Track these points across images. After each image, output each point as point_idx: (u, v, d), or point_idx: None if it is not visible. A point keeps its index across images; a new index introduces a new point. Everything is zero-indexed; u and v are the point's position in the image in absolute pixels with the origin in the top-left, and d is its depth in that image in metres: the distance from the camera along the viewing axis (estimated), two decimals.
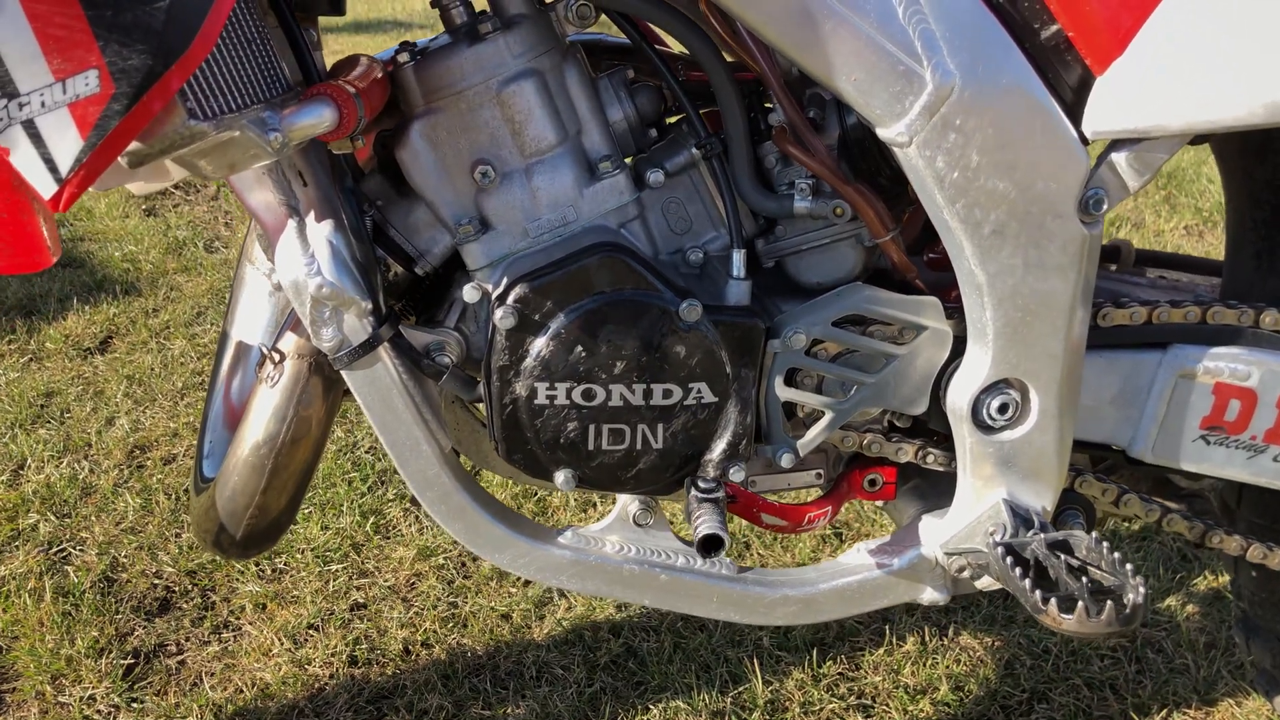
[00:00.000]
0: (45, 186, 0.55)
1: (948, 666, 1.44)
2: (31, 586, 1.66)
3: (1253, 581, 1.03)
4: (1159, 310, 0.83)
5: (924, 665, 1.45)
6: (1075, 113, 0.73)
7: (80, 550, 1.78)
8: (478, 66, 0.76)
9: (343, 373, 0.78)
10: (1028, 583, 0.71)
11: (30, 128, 0.54)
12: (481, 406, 0.85)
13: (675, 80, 0.80)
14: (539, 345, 0.75)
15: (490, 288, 0.79)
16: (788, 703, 1.40)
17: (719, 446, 0.78)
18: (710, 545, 0.74)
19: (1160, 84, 0.71)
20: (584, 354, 0.75)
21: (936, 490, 0.88)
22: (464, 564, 1.68)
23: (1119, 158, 0.74)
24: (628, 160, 0.83)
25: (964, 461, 0.81)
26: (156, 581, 1.70)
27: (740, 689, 1.42)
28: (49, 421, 2.14)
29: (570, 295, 0.74)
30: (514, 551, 0.84)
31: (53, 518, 1.86)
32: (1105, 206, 0.75)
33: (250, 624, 1.60)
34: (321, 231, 0.76)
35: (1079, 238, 0.75)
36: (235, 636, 1.58)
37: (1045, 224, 0.74)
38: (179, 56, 0.55)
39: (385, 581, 1.66)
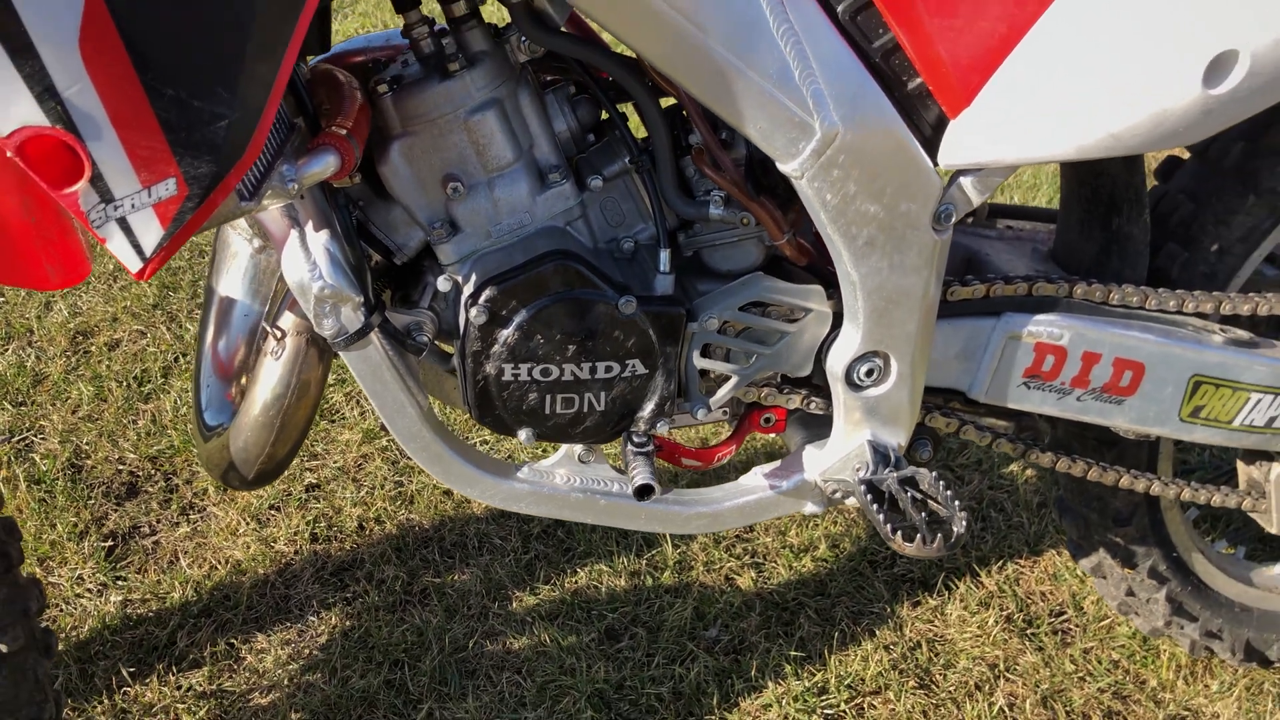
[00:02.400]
0: (133, 264, 0.71)
1: (826, 529, 1.71)
2: (4, 476, 1.80)
3: (1065, 477, 1.30)
4: (995, 287, 1.04)
5: (806, 528, 1.72)
6: (932, 145, 0.92)
7: (42, 439, 1.92)
8: (448, 99, 0.91)
9: (340, 353, 0.95)
10: (882, 515, 0.95)
11: (123, 223, 0.69)
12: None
13: (613, 107, 0.96)
14: (505, 335, 0.93)
15: (460, 280, 0.96)
16: (693, 562, 1.66)
17: (649, 407, 0.99)
18: (644, 492, 0.95)
19: (1000, 129, 0.90)
20: (542, 341, 0.94)
21: (816, 425, 1.10)
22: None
23: (965, 181, 0.94)
24: (570, 160, 0.99)
25: (838, 410, 1.03)
26: (121, 467, 1.86)
27: (653, 552, 1.67)
28: None
29: (530, 295, 0.92)
30: (482, 486, 1.04)
31: (9, 406, 1.98)
32: (954, 218, 0.95)
33: (214, 506, 1.78)
34: (320, 240, 0.91)
35: (932, 244, 0.95)
36: (202, 518, 1.76)
37: (906, 235, 0.93)
38: (236, 162, 0.69)
39: (335, 463, 1.85)
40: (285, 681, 1.50)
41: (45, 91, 0.63)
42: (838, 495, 1.07)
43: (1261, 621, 1.44)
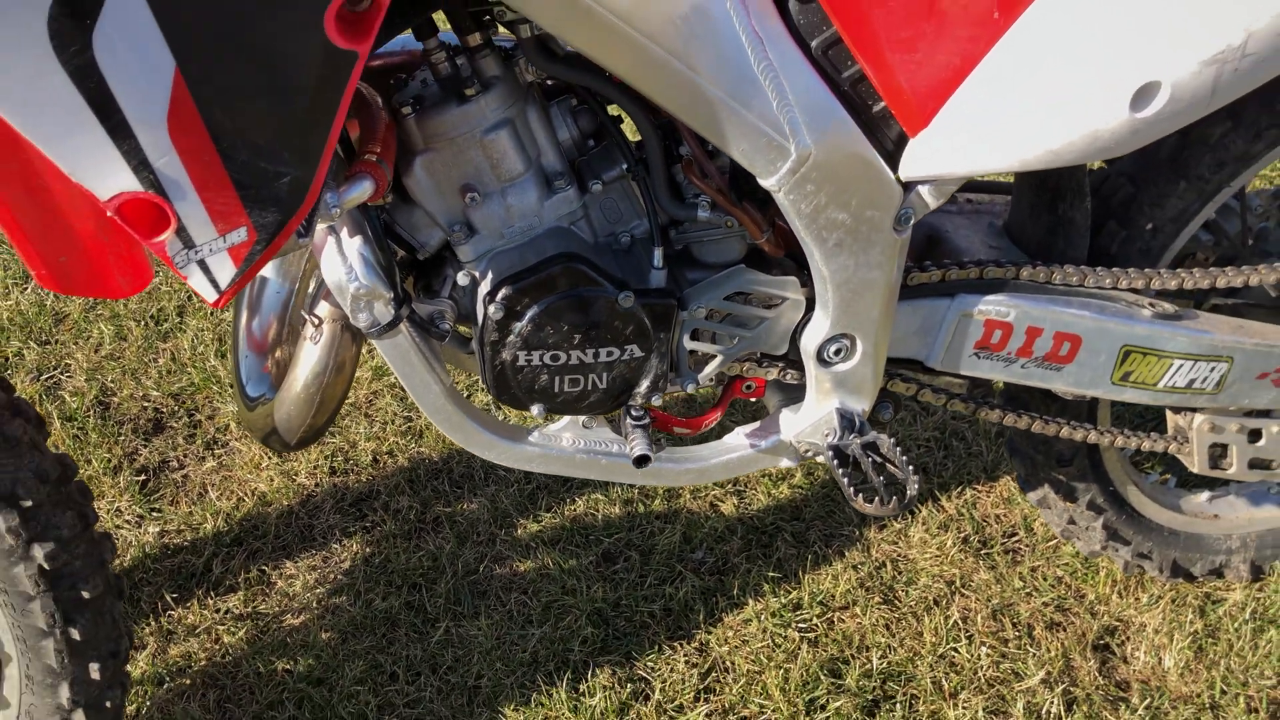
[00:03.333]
0: (210, 295, 0.83)
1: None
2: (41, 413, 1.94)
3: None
4: (950, 272, 1.18)
5: None
6: (893, 160, 1.05)
7: (68, 377, 2.06)
8: (465, 120, 1.03)
9: (374, 341, 1.09)
10: (846, 478, 1.10)
11: (202, 264, 0.81)
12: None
13: (612, 122, 1.07)
14: (519, 327, 1.07)
15: (477, 275, 1.09)
16: (680, 490, 1.83)
17: (645, 384, 1.13)
18: (642, 461, 1.11)
19: (953, 146, 1.02)
20: (551, 332, 1.07)
21: (791, 391, 1.25)
22: None
23: (923, 189, 1.07)
24: (572, 163, 1.11)
25: (810, 382, 1.18)
26: (145, 404, 2.00)
27: None
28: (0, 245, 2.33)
29: (541, 293, 1.05)
30: (499, 450, 1.19)
31: (34, 345, 2.11)
32: (913, 220, 1.08)
33: (237, 441, 1.93)
34: (354, 245, 1.04)
35: (894, 243, 1.08)
36: (226, 453, 1.91)
37: (870, 237, 1.07)
38: (297, 210, 0.82)
39: (348, 400, 1.99)
40: (314, 604, 1.67)
41: (140, 163, 0.76)
42: (809, 453, 1.22)
43: (1187, 543, 1.62)
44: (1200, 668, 1.57)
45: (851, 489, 1.09)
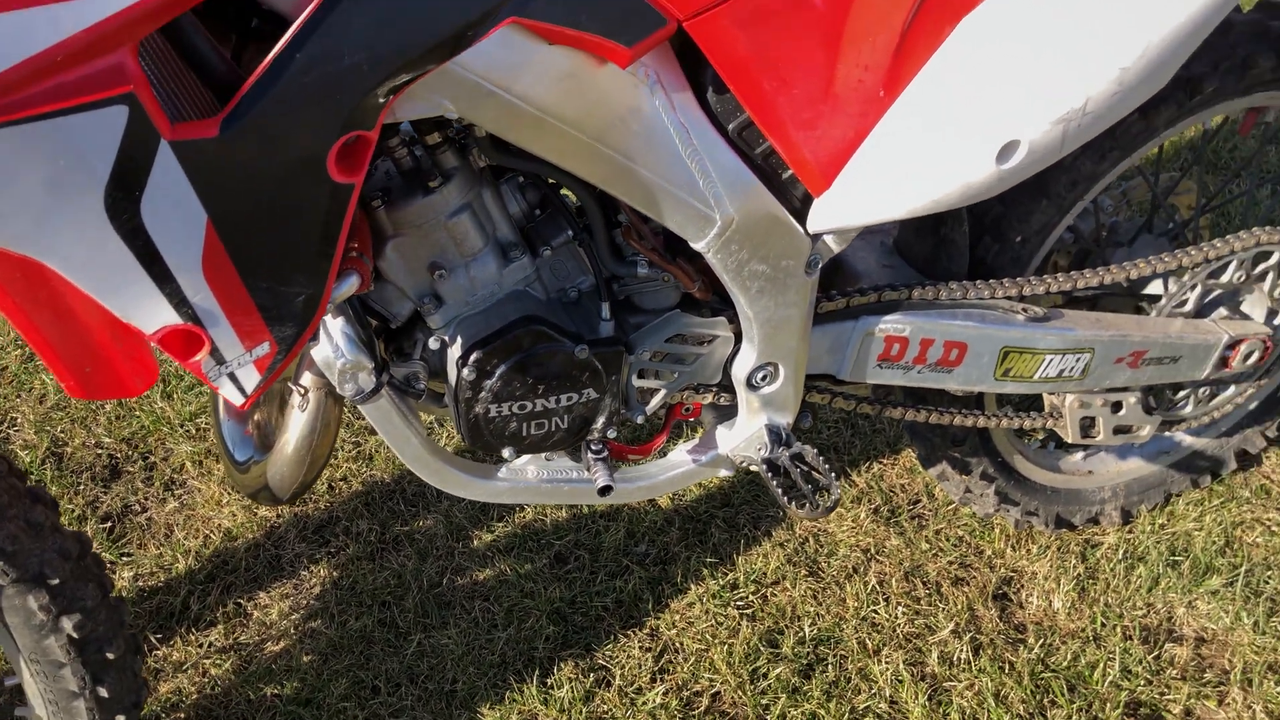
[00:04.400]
0: (237, 400, 0.96)
1: None
2: None
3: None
4: (853, 299, 1.36)
5: None
6: (801, 216, 1.22)
7: (16, 430, 2.12)
8: (431, 209, 1.16)
9: (358, 405, 1.22)
10: (780, 488, 1.29)
11: (231, 376, 0.94)
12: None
13: (558, 197, 1.22)
14: (490, 384, 1.21)
15: (447, 339, 1.23)
16: None
17: (601, 420, 1.29)
18: (605, 491, 1.27)
19: (852, 201, 1.20)
20: (519, 386, 1.22)
21: (724, 411, 1.42)
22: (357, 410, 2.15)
23: (828, 238, 1.25)
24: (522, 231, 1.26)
25: (741, 404, 1.36)
26: (99, 452, 2.08)
27: None
28: None
29: (509, 354, 1.20)
30: (473, 488, 1.34)
31: None
32: (820, 264, 1.26)
33: (195, 480, 2.03)
34: (338, 325, 1.17)
35: (806, 284, 1.26)
36: (186, 492, 2.01)
37: (787, 282, 1.24)
38: (311, 322, 0.95)
39: None
40: (291, 630, 1.80)
41: (180, 302, 0.88)
42: (744, 464, 1.40)
43: (1067, 498, 1.86)
44: (1083, 605, 1.82)
45: (785, 497, 1.28)
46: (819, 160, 1.18)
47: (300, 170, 0.89)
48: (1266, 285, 1.63)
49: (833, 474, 1.30)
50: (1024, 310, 1.45)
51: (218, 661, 1.75)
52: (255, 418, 1.35)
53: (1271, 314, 1.67)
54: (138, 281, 0.86)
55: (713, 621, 1.79)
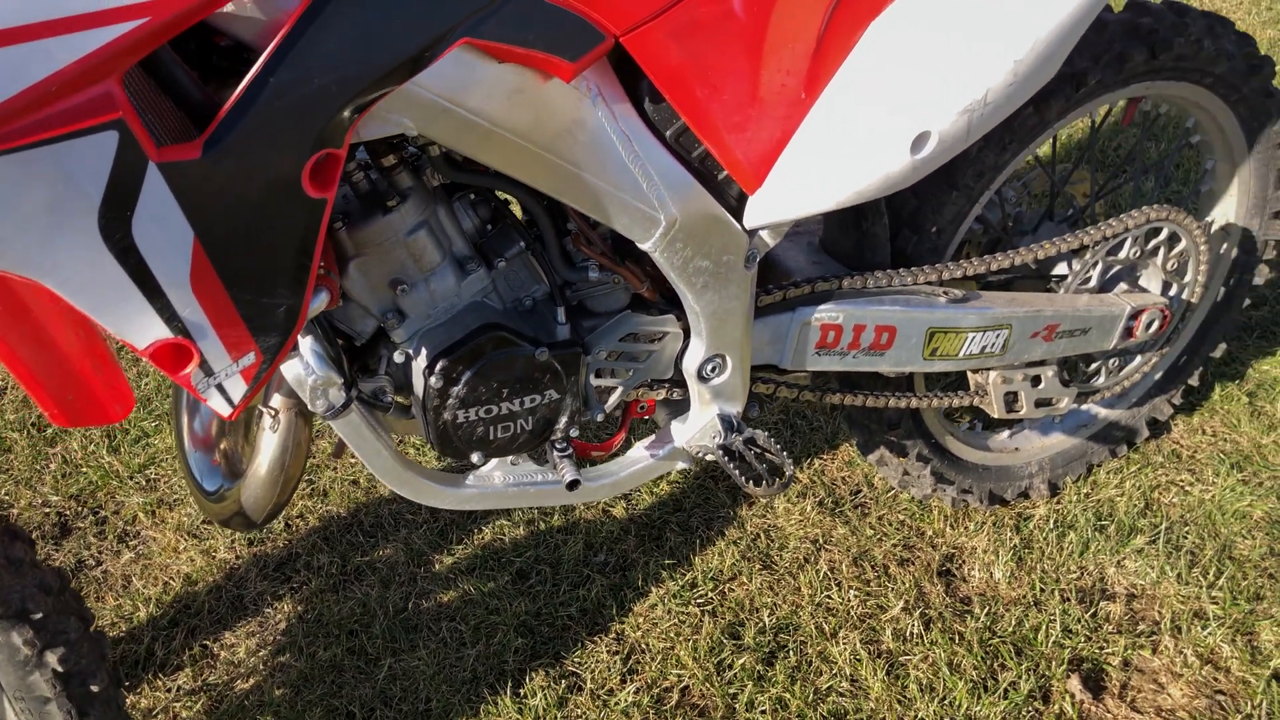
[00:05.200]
0: (225, 411, 1.01)
1: None
2: None
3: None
4: (789, 291, 1.46)
5: None
6: (738, 213, 1.31)
7: None
8: (390, 228, 1.22)
9: (329, 421, 1.27)
10: (737, 470, 1.36)
11: (219, 387, 0.99)
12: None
13: (509, 212, 1.29)
14: (456, 391, 1.27)
15: (411, 352, 1.29)
16: (576, 505, 2.05)
17: (563, 420, 1.36)
18: (574, 485, 1.33)
19: (783, 197, 1.29)
20: (484, 391, 1.28)
21: (678, 407, 1.50)
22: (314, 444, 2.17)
23: (763, 233, 1.34)
24: (476, 246, 1.32)
25: (694, 397, 1.43)
26: (47, 510, 2.07)
27: None
28: None
29: (473, 360, 1.26)
30: (443, 496, 1.39)
31: None
32: (758, 258, 1.34)
33: (148, 530, 2.03)
34: (308, 344, 1.22)
35: (746, 277, 1.35)
36: (141, 543, 2.01)
37: (729, 276, 1.33)
38: (293, 331, 1.00)
39: None
40: (260, 667, 1.81)
41: (170, 316, 0.93)
42: (700, 454, 1.48)
43: (998, 475, 1.97)
44: (1022, 574, 1.92)
45: (743, 478, 1.35)
46: (750, 160, 1.27)
47: (277, 187, 0.95)
48: (1159, 260, 1.77)
49: (785, 453, 1.39)
50: (945, 294, 1.56)
51: (188, 704, 1.75)
52: (222, 446, 1.39)
53: (1166, 286, 1.81)
54: (130, 298, 0.91)
55: (676, 620, 1.85)
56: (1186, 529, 1.98)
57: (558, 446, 1.36)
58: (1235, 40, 1.69)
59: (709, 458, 1.48)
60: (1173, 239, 1.75)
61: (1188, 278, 1.81)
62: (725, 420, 1.43)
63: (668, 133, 1.24)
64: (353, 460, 2.15)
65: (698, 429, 1.46)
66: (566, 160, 1.17)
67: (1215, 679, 1.74)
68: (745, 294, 1.36)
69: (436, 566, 1.96)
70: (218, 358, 0.98)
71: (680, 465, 1.51)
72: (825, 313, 1.47)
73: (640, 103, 1.21)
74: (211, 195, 0.91)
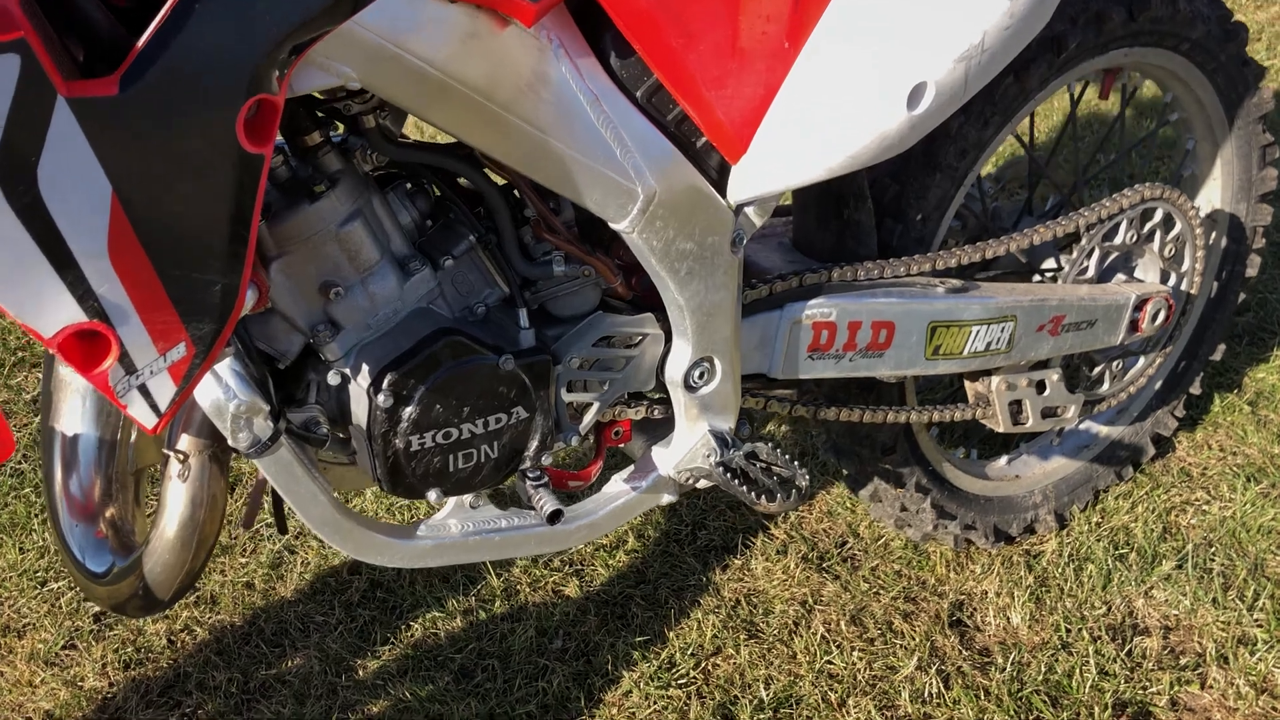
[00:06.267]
0: (149, 421, 0.92)
1: (631, 523, 2.07)
2: None
3: (839, 426, 1.73)
4: (775, 285, 1.43)
5: None
6: (720, 187, 1.29)
7: None
8: (319, 218, 1.16)
9: (256, 460, 1.18)
10: (744, 487, 1.31)
11: (143, 389, 0.90)
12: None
13: (457, 200, 1.25)
14: (409, 412, 1.20)
15: (349, 372, 1.22)
16: (518, 586, 1.96)
17: (534, 444, 1.29)
18: (556, 516, 1.26)
19: (769, 166, 1.28)
20: (440, 410, 1.21)
21: (654, 430, 1.45)
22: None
23: (749, 210, 1.32)
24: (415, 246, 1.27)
25: (680, 411, 1.39)
26: None
27: (478, 586, 1.96)
28: None
29: (427, 373, 1.20)
30: (391, 552, 1.30)
31: None
32: (745, 240, 1.32)
33: None
34: (227, 364, 1.14)
35: (733, 263, 1.32)
36: None
37: (714, 261, 1.30)
38: (229, 316, 0.93)
39: None
40: None
41: (84, 293, 0.85)
42: (690, 480, 1.42)
43: (1001, 507, 1.97)
44: (1043, 615, 1.90)
45: (752, 494, 1.30)
46: (733, 122, 1.25)
47: (208, 135, 0.89)
48: (1156, 245, 1.81)
49: (796, 463, 1.34)
50: (942, 283, 1.56)
51: None
52: (108, 514, 1.27)
53: (1164, 276, 1.85)
54: (35, 269, 0.83)
55: (656, 707, 1.77)
56: (1212, 550, 2.00)
57: (530, 476, 1.29)
58: (1209, 3, 1.77)
59: (702, 483, 1.43)
60: (1168, 222, 1.80)
61: (1185, 265, 1.86)
62: (718, 436, 1.39)
63: (639, 93, 1.22)
64: (244, 561, 2.02)
65: (686, 450, 1.41)
66: (528, 122, 1.13)
67: (1275, 708, 1.73)
68: (733, 283, 1.34)
69: (360, 673, 1.84)
70: (142, 349, 0.89)
71: (665, 499, 1.45)
72: (817, 309, 1.45)
73: (606, 58, 1.19)
74: (132, 142, 0.85)
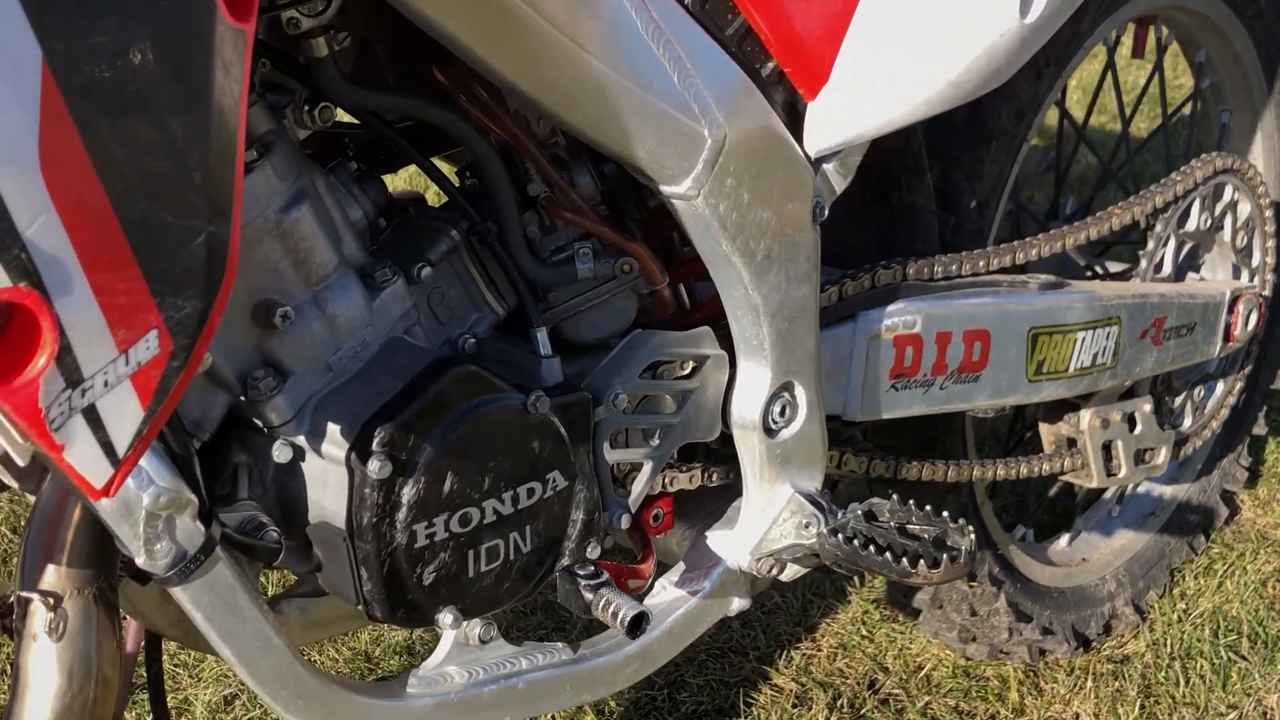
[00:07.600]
0: (99, 475, 0.65)
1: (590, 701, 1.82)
2: None
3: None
4: (845, 285, 1.27)
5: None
6: (794, 135, 1.13)
7: None
8: (252, 200, 0.92)
9: (178, 591, 0.91)
10: (880, 555, 1.11)
11: (91, 413, 0.64)
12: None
13: (428, 164, 1.03)
14: (412, 485, 0.96)
15: (305, 440, 0.97)
16: None
17: (576, 528, 1.06)
18: (640, 621, 1.03)
19: (854, 102, 1.13)
20: (456, 479, 0.98)
21: (697, 512, 1.24)
22: None
23: (828, 168, 1.16)
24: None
25: (753, 470, 1.18)
26: None
27: None
28: None
29: (435, 422, 0.96)
30: (379, 717, 1.03)
31: None
32: (825, 213, 1.16)
33: None
34: None
35: (813, 245, 1.15)
36: None
37: (795, 239, 1.13)
38: (217, 294, 0.68)
39: None
40: None
41: (5, 234, 0.59)
42: (772, 571, 1.21)
43: (1075, 601, 1.84)
44: None
45: (904, 562, 1.10)
46: (812, 36, 1.10)
47: None
48: (1226, 234, 1.76)
49: (945, 514, 1.16)
50: (1032, 278, 1.44)
51: None
52: None
53: (1236, 272, 1.80)
54: None
55: None
56: None
57: (582, 576, 1.06)
58: None
59: (782, 576, 1.21)
60: (1234, 204, 1.76)
61: (1256, 259, 1.82)
62: (810, 499, 1.19)
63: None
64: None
65: (765, 526, 1.20)
66: (561, 29, 0.94)
67: None
68: (815, 273, 1.17)
69: None
70: (92, 342, 0.63)
71: (736, 606, 1.23)
72: (898, 317, 1.30)
73: None
74: None
